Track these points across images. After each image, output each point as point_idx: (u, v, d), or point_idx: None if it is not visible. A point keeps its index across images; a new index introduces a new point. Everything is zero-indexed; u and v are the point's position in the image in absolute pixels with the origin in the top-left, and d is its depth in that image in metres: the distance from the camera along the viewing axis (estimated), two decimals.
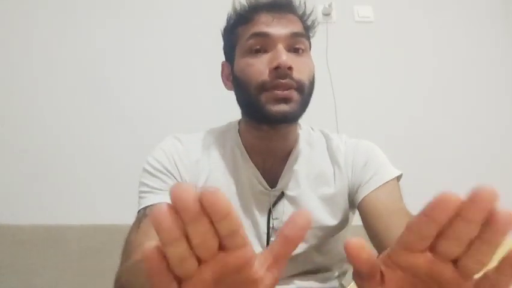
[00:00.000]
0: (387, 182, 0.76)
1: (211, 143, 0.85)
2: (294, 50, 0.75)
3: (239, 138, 0.83)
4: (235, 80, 0.79)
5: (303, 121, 0.85)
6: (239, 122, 0.86)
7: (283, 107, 0.71)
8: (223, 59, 0.86)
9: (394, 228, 0.66)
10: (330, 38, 1.72)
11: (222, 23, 0.85)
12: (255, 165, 0.81)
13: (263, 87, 0.72)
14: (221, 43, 0.86)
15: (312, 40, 0.89)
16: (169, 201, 0.29)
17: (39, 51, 1.57)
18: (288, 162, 0.81)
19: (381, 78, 1.73)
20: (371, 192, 0.76)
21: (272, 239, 0.77)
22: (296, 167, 0.81)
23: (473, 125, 1.72)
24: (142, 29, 1.65)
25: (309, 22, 0.82)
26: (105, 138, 1.50)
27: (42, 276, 1.14)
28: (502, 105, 1.77)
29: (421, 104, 1.72)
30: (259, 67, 0.73)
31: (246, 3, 0.79)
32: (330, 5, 1.75)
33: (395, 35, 1.79)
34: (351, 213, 0.83)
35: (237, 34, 0.79)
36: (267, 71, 0.72)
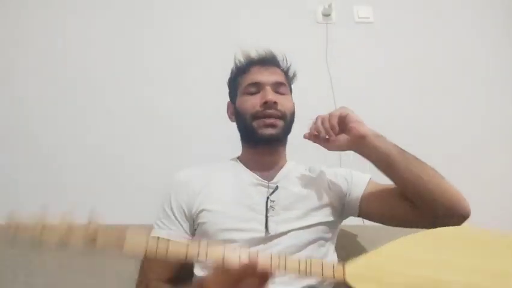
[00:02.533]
0: (370, 180, 1.05)
1: (212, 166, 1.08)
2: (278, 92, 1.05)
3: (238, 160, 1.10)
4: (236, 113, 1.08)
5: (303, 122, 1.04)
6: (238, 157, 1.12)
7: (270, 131, 1.01)
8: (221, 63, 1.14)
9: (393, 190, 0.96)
10: (330, 39, 1.72)
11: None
12: (253, 173, 1.05)
13: (255, 116, 1.02)
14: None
15: (312, 40, 1.13)
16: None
17: (39, 51, 1.58)
18: (281, 170, 1.06)
19: (381, 78, 1.73)
20: (367, 187, 1.02)
21: (269, 213, 0.95)
22: (286, 173, 1.06)
23: (473, 125, 1.72)
24: (143, 28, 1.65)
25: (290, 73, 1.14)
26: (105, 138, 1.50)
27: (42, 276, 1.14)
28: (502, 105, 1.77)
29: (421, 104, 1.72)
30: (253, 102, 1.03)
31: (242, 60, 1.12)
32: (330, 6, 1.75)
33: (395, 35, 1.79)
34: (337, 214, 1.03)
35: (238, 82, 1.10)
36: (258, 105, 1.02)
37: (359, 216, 1.03)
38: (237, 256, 0.64)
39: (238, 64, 1.13)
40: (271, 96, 1.01)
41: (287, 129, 1.05)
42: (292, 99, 1.09)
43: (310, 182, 1.04)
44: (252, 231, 0.92)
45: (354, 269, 0.69)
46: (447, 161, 1.64)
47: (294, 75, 1.16)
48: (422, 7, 1.84)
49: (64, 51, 1.58)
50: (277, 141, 1.05)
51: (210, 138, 1.50)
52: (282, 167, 1.07)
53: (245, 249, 0.66)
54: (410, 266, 0.68)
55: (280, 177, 1.04)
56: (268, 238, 0.92)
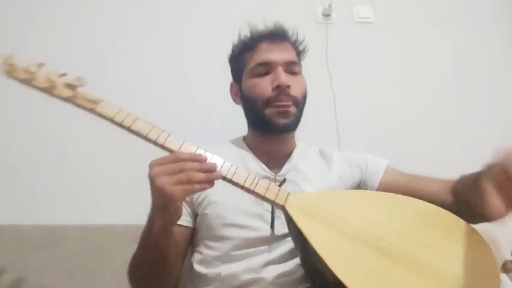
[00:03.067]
0: (387, 167, 0.97)
1: (219, 149, 0.99)
2: (290, 72, 0.94)
3: (245, 145, 1.02)
4: (244, 98, 0.99)
5: (303, 122, 1.01)
6: (243, 138, 1.06)
7: (284, 121, 0.92)
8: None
9: (425, 183, 0.90)
10: (330, 39, 1.72)
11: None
12: (260, 161, 0.97)
13: (268, 103, 0.92)
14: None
15: (312, 40, 1.07)
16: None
17: (39, 51, 1.57)
18: (289, 159, 0.98)
19: (381, 78, 1.73)
20: (383, 176, 0.95)
21: (276, 213, 0.88)
22: (296, 162, 0.98)
23: (474, 125, 1.72)
24: (143, 28, 1.65)
25: (300, 48, 1.03)
26: (105, 138, 1.50)
27: (42, 276, 1.14)
28: (503, 105, 1.77)
29: (421, 104, 1.72)
30: (264, 86, 0.92)
31: (249, 34, 0.99)
32: (330, 6, 1.75)
33: (395, 35, 1.79)
34: None
35: (244, 59, 0.98)
36: (270, 89, 0.91)
37: None
38: (191, 150, 0.68)
39: (245, 39, 1.00)
40: (284, 78, 0.91)
41: (299, 115, 0.96)
42: (303, 78, 0.99)
43: (320, 173, 0.97)
44: (257, 229, 0.86)
45: (296, 200, 0.71)
46: (447, 161, 1.65)
47: (305, 50, 1.04)
48: (422, 7, 1.84)
49: (63, 51, 1.58)
50: (292, 130, 0.98)
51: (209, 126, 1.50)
52: (291, 154, 1.00)
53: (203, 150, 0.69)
54: (349, 214, 0.70)
55: (289, 167, 0.96)
56: (273, 239, 0.86)
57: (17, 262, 1.15)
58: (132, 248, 0.80)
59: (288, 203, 0.71)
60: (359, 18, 1.80)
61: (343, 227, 0.69)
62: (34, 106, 1.50)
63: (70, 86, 0.70)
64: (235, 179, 0.70)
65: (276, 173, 0.95)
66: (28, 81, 0.69)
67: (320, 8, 1.77)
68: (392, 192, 0.85)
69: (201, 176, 0.65)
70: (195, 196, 0.92)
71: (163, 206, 0.68)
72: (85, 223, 1.26)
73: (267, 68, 0.94)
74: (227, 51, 1.08)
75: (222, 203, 0.89)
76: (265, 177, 0.93)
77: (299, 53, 1.02)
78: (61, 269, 1.16)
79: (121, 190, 1.42)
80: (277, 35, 0.98)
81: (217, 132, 1.28)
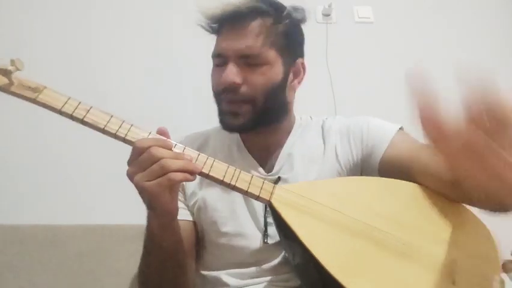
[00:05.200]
0: (393, 137, 0.80)
1: (208, 140, 0.92)
2: (247, 65, 0.78)
3: (237, 134, 0.89)
4: None
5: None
6: None
7: (231, 121, 0.80)
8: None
9: (431, 162, 0.68)
10: (330, 39, 1.72)
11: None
12: (253, 156, 0.86)
13: (218, 96, 0.81)
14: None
15: (312, 40, 0.93)
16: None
17: (39, 52, 1.57)
18: (282, 149, 0.87)
19: (381, 78, 1.73)
20: (386, 150, 0.78)
21: (269, 219, 0.80)
22: (290, 150, 0.86)
23: None
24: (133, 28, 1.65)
25: (281, 27, 0.81)
26: (105, 138, 1.49)
27: (42, 276, 1.14)
28: None
29: None
30: (216, 78, 0.81)
31: (212, 15, 0.82)
32: (330, 6, 1.75)
33: (395, 35, 1.79)
34: None
35: (216, 40, 0.84)
36: (220, 83, 0.78)
37: None
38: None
39: (204, 25, 0.85)
40: (231, 76, 0.76)
41: (261, 114, 0.80)
42: (271, 68, 0.80)
43: (318, 161, 0.84)
44: (250, 238, 0.80)
45: (283, 193, 0.66)
46: None
47: (291, 15, 0.82)
48: (422, 7, 1.84)
49: (60, 50, 1.58)
50: (244, 131, 0.84)
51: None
52: (285, 143, 0.88)
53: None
54: (339, 203, 0.66)
55: (282, 161, 0.85)
56: (266, 248, 0.79)
57: (17, 262, 1.15)
58: (132, 248, 0.80)
59: (274, 197, 0.65)
60: (359, 18, 1.80)
61: (332, 218, 0.65)
62: (34, 106, 1.50)
63: (4, 72, 0.57)
64: (213, 174, 0.63)
65: (269, 171, 0.85)
66: None
67: (320, 8, 1.77)
68: (397, 168, 0.75)
69: (177, 163, 0.58)
70: (189, 191, 0.86)
71: (149, 204, 0.63)
72: (85, 223, 1.26)
73: (221, 60, 0.80)
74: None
75: (213, 209, 0.83)
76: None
77: (278, 27, 0.81)
78: (61, 269, 1.16)
79: (121, 190, 1.41)
80: (241, 15, 0.78)
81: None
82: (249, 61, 0.78)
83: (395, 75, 1.76)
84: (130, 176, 0.60)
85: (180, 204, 0.82)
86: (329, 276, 0.59)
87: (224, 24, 0.81)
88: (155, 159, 0.58)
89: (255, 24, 0.79)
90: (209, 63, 0.87)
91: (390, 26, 1.79)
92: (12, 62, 0.57)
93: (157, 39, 1.64)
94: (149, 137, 0.62)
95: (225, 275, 0.81)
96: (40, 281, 1.14)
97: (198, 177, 0.81)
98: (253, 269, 0.80)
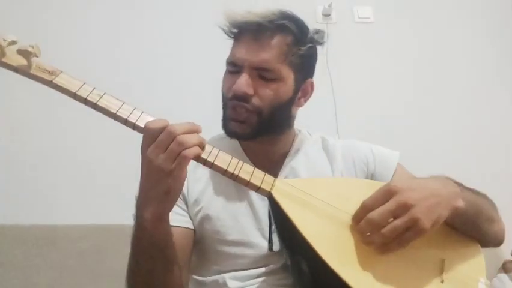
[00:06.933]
0: (397, 166, 0.87)
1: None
2: (262, 78, 0.80)
3: (237, 142, 0.88)
4: None
5: (303, 122, 0.96)
6: None
7: (235, 127, 0.81)
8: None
9: None
10: (330, 39, 1.71)
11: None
12: (255, 165, 0.80)
13: (226, 102, 0.82)
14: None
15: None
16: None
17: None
18: (285, 160, 0.88)
19: (381, 78, 1.73)
20: (392, 178, 0.84)
21: (273, 230, 0.80)
22: (294, 164, 0.87)
23: (475, 125, 1.72)
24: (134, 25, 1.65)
25: (302, 50, 0.83)
26: (105, 138, 1.50)
27: (42, 276, 1.14)
28: (504, 105, 1.77)
29: (422, 104, 1.72)
30: (228, 84, 0.81)
31: (233, 21, 0.82)
32: (330, 6, 1.75)
33: (395, 35, 1.79)
34: None
35: (232, 46, 0.85)
36: (231, 90, 0.80)
37: None
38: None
39: (225, 29, 0.85)
40: (243, 86, 0.78)
41: (265, 126, 0.81)
42: (283, 85, 0.82)
43: (321, 175, 0.86)
44: (255, 246, 0.80)
45: (283, 186, 0.67)
46: (446, 161, 1.64)
47: (313, 39, 0.86)
48: (422, 7, 1.84)
49: (59, 51, 1.58)
50: (246, 139, 0.85)
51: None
52: (286, 154, 0.88)
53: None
54: (339, 201, 0.68)
55: (286, 171, 0.86)
56: (271, 256, 0.79)
57: (17, 262, 1.15)
58: None
59: (275, 189, 0.67)
60: (359, 18, 1.80)
61: (331, 213, 0.66)
62: (35, 107, 1.50)
63: (25, 54, 0.59)
64: (217, 163, 0.63)
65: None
66: None
67: (320, 8, 1.77)
68: None
69: (193, 137, 0.60)
70: (191, 200, 0.85)
71: (167, 189, 0.61)
72: (85, 223, 1.26)
73: (235, 68, 0.81)
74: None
75: (217, 218, 0.82)
76: None
77: (299, 52, 0.83)
78: (61, 269, 1.16)
79: (121, 190, 1.41)
80: (265, 28, 0.79)
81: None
82: (263, 74, 0.80)
83: (394, 75, 1.77)
84: (151, 160, 0.59)
85: (179, 211, 0.83)
86: (325, 266, 0.60)
87: (244, 32, 0.82)
88: (174, 136, 0.59)
89: (276, 40, 0.80)
90: (217, 69, 0.87)
91: (390, 26, 1.80)
92: (31, 47, 0.59)
93: (162, 38, 1.64)
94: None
95: (226, 279, 0.81)
96: (40, 281, 1.14)
97: (200, 185, 0.84)
98: (255, 272, 0.80)
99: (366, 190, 0.67)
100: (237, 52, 0.82)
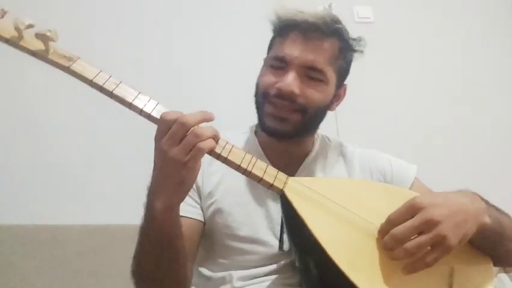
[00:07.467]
0: (415, 179, 0.87)
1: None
2: (309, 77, 0.80)
3: (256, 139, 0.89)
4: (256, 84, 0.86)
5: None
6: (256, 125, 0.91)
7: (276, 125, 0.80)
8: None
9: None
10: None
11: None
12: (272, 164, 0.79)
13: (266, 97, 0.80)
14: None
15: None
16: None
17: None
18: (304, 162, 0.88)
19: (381, 78, 1.73)
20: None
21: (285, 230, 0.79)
22: (312, 166, 0.88)
23: (476, 125, 1.72)
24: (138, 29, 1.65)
25: (349, 55, 0.87)
26: (105, 139, 1.50)
27: (42, 276, 1.14)
28: (504, 105, 1.77)
29: (422, 105, 1.72)
30: (271, 78, 0.80)
31: (284, 18, 0.83)
32: (330, 6, 1.75)
33: (395, 35, 1.79)
34: None
35: (272, 43, 0.87)
36: (274, 85, 0.79)
37: None
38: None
39: (276, 23, 0.85)
40: (291, 85, 0.77)
41: (307, 126, 0.83)
42: (328, 89, 0.83)
43: None
44: (265, 244, 0.80)
45: (296, 184, 0.67)
46: (446, 161, 1.65)
47: (358, 49, 0.90)
48: (422, 7, 1.84)
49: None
50: (285, 138, 0.83)
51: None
52: (306, 156, 0.88)
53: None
54: (351, 202, 0.67)
55: (303, 174, 0.86)
56: (281, 255, 0.79)
57: (17, 262, 1.15)
58: (132, 248, 0.79)
59: (288, 187, 0.66)
60: (359, 18, 1.80)
61: (343, 214, 0.66)
62: (34, 106, 1.51)
63: (43, 38, 0.58)
64: (231, 158, 0.63)
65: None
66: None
67: (320, 8, 1.77)
68: None
69: (207, 129, 0.59)
70: (205, 192, 0.85)
71: (181, 180, 0.61)
72: (85, 223, 1.26)
73: (281, 64, 0.80)
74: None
75: (229, 213, 0.82)
76: None
77: (345, 58, 0.86)
78: (61, 269, 1.16)
79: (121, 190, 1.42)
80: (314, 29, 0.80)
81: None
82: (311, 74, 0.80)
83: (394, 75, 1.77)
84: (165, 151, 0.59)
85: (191, 202, 0.83)
86: (335, 268, 0.60)
87: (294, 30, 0.81)
88: (188, 128, 0.59)
89: (329, 42, 0.82)
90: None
91: (390, 26, 1.80)
92: (49, 31, 0.58)
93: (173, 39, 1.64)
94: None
95: (233, 276, 0.81)
96: (40, 281, 1.14)
97: (215, 179, 0.84)
98: (263, 270, 0.80)
99: (382, 194, 0.67)
100: (286, 48, 0.80)
